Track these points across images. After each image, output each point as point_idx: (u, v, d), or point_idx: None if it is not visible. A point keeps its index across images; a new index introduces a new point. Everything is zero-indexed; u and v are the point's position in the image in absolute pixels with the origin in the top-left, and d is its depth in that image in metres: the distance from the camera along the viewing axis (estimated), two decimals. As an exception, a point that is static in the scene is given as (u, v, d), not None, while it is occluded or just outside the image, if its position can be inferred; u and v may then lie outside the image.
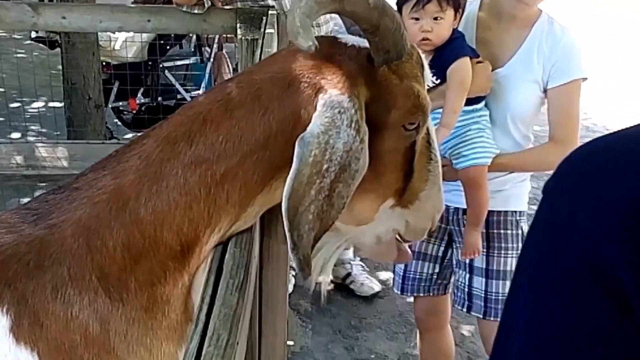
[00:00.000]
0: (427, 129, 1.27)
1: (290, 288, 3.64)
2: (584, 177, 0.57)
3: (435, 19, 1.97)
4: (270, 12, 2.85)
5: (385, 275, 3.87)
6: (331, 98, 1.06)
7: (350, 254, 3.68)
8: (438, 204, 1.35)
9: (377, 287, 3.71)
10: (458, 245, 2.33)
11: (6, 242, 1.09)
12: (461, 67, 1.99)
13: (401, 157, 1.23)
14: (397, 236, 1.37)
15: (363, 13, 1.07)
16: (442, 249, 2.41)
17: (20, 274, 1.07)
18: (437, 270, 2.44)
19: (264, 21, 2.73)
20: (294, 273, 3.66)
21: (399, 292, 2.55)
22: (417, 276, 2.45)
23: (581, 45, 2.20)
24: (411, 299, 2.91)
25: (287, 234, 1.04)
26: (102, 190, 1.11)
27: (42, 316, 1.06)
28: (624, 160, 0.55)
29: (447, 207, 2.26)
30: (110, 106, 5.13)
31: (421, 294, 2.48)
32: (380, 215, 1.27)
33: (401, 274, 2.48)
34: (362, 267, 3.76)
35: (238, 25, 2.93)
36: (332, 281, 3.61)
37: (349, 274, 3.68)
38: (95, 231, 1.09)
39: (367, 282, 3.69)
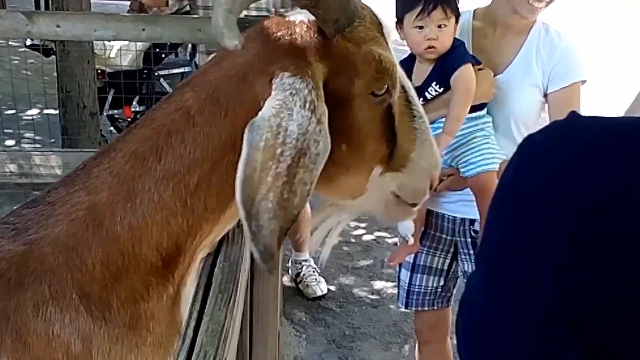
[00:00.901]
0: (403, 88, 1.22)
1: (324, 289, 3.73)
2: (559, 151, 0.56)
3: (440, 26, 1.96)
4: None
5: (380, 284, 3.87)
6: (282, 80, 1.03)
7: (306, 255, 3.71)
8: (432, 160, 1.31)
9: (324, 289, 3.73)
10: (464, 256, 2.31)
11: None
12: (466, 74, 1.98)
13: (378, 125, 1.18)
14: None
15: None
16: (447, 261, 2.37)
17: (2, 290, 1.06)
18: (442, 283, 2.40)
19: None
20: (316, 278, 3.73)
21: (402, 307, 2.51)
22: (422, 290, 2.42)
23: (579, 48, 2.22)
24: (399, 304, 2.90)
25: (245, 223, 0.98)
26: (77, 207, 1.10)
27: (24, 334, 1.05)
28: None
29: (454, 219, 2.25)
30: (105, 114, 5.12)
31: (426, 308, 2.44)
32: (373, 184, 1.24)
33: (405, 287, 2.43)
34: (314, 269, 3.78)
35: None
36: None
37: (298, 274, 3.73)
38: (73, 249, 1.08)
39: (314, 285, 3.71)
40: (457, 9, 2.00)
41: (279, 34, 1.11)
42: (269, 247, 0.99)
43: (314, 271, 3.76)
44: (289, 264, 3.80)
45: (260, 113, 1.00)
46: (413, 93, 1.26)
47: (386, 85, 1.15)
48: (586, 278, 0.50)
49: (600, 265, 0.49)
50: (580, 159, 0.53)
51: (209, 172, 1.09)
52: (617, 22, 12.19)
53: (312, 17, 1.10)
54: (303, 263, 3.73)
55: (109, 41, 4.54)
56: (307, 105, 1.01)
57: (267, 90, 1.04)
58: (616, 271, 0.49)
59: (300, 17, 1.13)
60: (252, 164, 0.97)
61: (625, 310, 0.48)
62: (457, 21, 2.02)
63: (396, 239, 4.39)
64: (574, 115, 0.59)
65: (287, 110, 1.00)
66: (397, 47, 1.28)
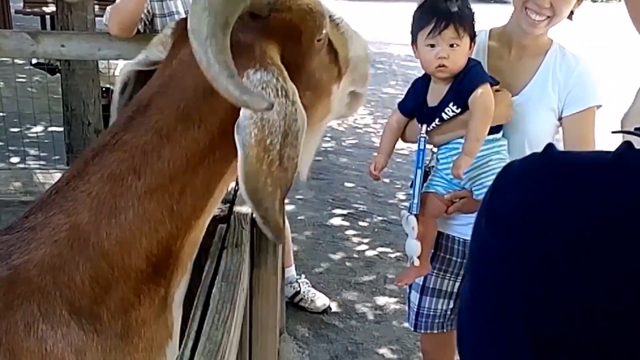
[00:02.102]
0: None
1: (326, 300, 3.74)
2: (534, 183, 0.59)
3: (452, 45, 1.95)
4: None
5: (382, 300, 3.87)
6: (250, 78, 1.08)
7: (293, 271, 3.72)
8: (363, 43, 1.43)
9: (327, 301, 3.74)
10: None
11: None
12: (484, 94, 1.96)
13: (326, 58, 1.29)
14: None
15: None
16: (457, 284, 2.36)
17: None
18: (451, 306, 2.39)
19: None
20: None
21: (412, 329, 2.51)
22: (432, 312, 2.40)
23: (595, 72, 2.22)
24: (407, 324, 2.89)
25: (255, 213, 1.07)
26: (58, 229, 1.13)
27: (19, 353, 1.07)
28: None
29: (464, 241, 2.25)
30: (109, 131, 5.16)
31: (435, 331, 2.42)
32: (334, 99, 1.36)
33: (415, 309, 2.42)
34: (308, 283, 3.80)
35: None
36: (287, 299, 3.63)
37: (297, 293, 3.72)
38: (60, 268, 1.11)
39: (317, 298, 3.73)
40: (472, 28, 2.00)
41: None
42: (276, 222, 1.08)
43: (309, 286, 3.77)
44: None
45: (241, 114, 1.06)
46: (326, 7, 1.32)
47: (324, 27, 1.24)
48: (549, 299, 0.53)
49: (560, 288, 0.53)
50: (553, 187, 0.56)
51: (191, 178, 1.15)
52: (617, 23, 12.24)
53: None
54: (298, 281, 3.74)
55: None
56: (280, 92, 1.08)
57: None
58: (576, 297, 0.52)
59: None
60: (249, 159, 1.05)
61: (579, 335, 0.52)
62: (473, 40, 2.01)
63: (399, 254, 4.40)
64: (550, 147, 0.62)
65: None
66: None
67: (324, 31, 1.22)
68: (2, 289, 1.10)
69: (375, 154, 2.25)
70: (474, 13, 2.02)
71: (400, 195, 5.50)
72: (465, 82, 1.99)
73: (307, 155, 1.40)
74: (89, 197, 1.14)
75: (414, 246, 2.06)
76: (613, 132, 0.75)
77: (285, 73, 1.11)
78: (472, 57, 2.13)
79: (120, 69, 5.07)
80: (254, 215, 1.09)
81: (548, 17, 2.02)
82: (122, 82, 1.39)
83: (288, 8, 1.16)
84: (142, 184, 1.13)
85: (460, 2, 1.99)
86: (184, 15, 3.20)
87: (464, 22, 1.96)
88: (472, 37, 2.00)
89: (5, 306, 1.09)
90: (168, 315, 1.18)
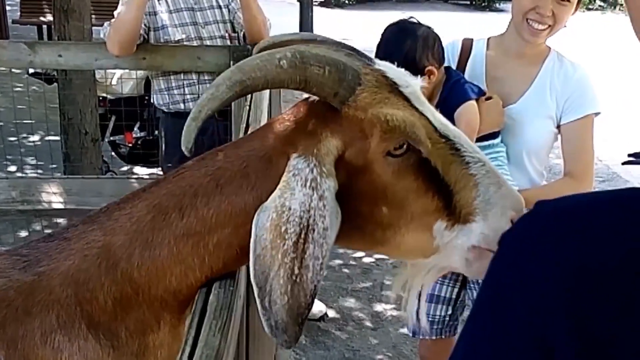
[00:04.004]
0: (447, 137, 1.19)
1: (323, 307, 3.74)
2: (533, 242, 0.61)
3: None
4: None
5: (379, 307, 3.89)
6: (290, 162, 1.08)
7: None
8: (508, 201, 1.21)
9: (323, 308, 3.75)
10: (473, 285, 2.30)
11: None
12: (466, 112, 2.00)
13: (413, 182, 1.16)
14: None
15: (279, 79, 1.06)
16: (455, 290, 2.38)
17: (9, 318, 1.10)
18: (449, 312, 2.41)
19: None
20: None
21: (410, 335, 2.52)
22: (430, 319, 2.42)
23: (592, 80, 2.23)
24: (405, 330, 2.90)
25: (257, 299, 1.03)
26: (92, 244, 1.14)
27: None
28: (569, 231, 0.60)
29: None
30: (106, 140, 5.18)
31: (434, 337, 2.44)
32: (441, 240, 1.19)
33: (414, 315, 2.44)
34: None
35: (231, 62, 2.99)
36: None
37: None
38: (84, 284, 1.12)
39: (314, 305, 3.70)
40: (413, 66, 1.96)
41: (298, 114, 1.17)
42: (283, 323, 1.02)
43: None
44: None
45: (270, 197, 1.06)
46: (463, 140, 1.22)
47: (403, 143, 1.14)
48: None
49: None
50: (549, 254, 0.59)
51: (229, 236, 1.14)
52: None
53: None
54: None
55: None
56: (308, 184, 1.05)
57: (284, 168, 1.09)
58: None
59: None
60: (262, 242, 1.02)
61: None
62: (427, 73, 2.02)
63: (396, 261, 4.41)
64: (538, 207, 0.64)
65: (290, 190, 1.05)
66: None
67: (401, 147, 1.14)
68: (23, 294, 1.11)
69: None
70: (415, 48, 2.05)
71: (397, 203, 5.51)
72: (448, 102, 2.02)
73: (411, 293, 1.32)
74: (129, 221, 1.15)
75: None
76: (623, 164, 0.78)
77: (328, 168, 1.08)
78: (470, 66, 2.15)
79: (117, 78, 5.10)
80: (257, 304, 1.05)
81: (549, 25, 2.04)
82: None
83: (363, 109, 1.13)
84: (182, 225, 1.13)
85: (404, 41, 2.03)
86: (174, 30, 3.23)
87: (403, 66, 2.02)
88: (417, 73, 2.05)
89: (23, 312, 1.11)
90: (182, 333, 1.19)
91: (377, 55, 1.99)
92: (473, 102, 2.01)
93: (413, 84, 1.21)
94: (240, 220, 1.13)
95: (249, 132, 1.56)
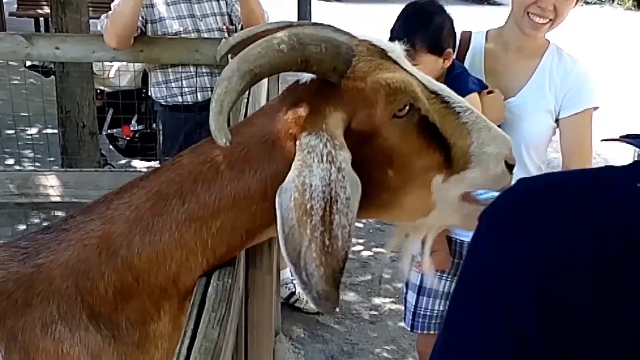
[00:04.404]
0: (435, 93, 1.23)
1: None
2: (510, 215, 0.63)
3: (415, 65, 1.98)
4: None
5: (378, 300, 3.89)
6: (301, 141, 1.10)
7: (288, 272, 3.71)
8: (497, 141, 1.27)
9: None
10: None
11: None
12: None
13: (417, 140, 1.20)
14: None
15: (283, 62, 1.08)
16: (454, 285, 2.36)
17: (9, 311, 1.09)
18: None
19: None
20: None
21: (409, 329, 2.52)
22: (429, 313, 2.41)
23: (591, 74, 2.22)
24: (403, 323, 2.90)
25: (295, 276, 1.05)
26: (91, 234, 1.14)
27: (33, 352, 1.09)
28: (546, 207, 0.61)
29: (461, 242, 2.26)
30: (104, 133, 5.16)
31: (431, 332, 2.43)
32: (440, 194, 1.24)
33: (412, 310, 2.43)
34: None
35: (229, 56, 2.98)
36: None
37: (292, 293, 3.73)
38: (84, 273, 1.12)
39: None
40: (436, 43, 2.00)
41: (293, 98, 1.19)
42: (324, 292, 1.05)
43: None
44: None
45: (287, 177, 1.08)
46: (448, 92, 1.26)
47: (406, 104, 1.17)
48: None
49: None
50: (548, 229, 0.60)
51: (233, 219, 1.15)
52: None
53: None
54: (293, 282, 3.74)
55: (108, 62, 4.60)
56: (325, 158, 1.07)
57: (294, 152, 1.11)
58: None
59: (309, 76, 1.20)
60: (288, 222, 1.04)
61: None
62: (440, 53, 2.02)
63: (394, 255, 4.41)
64: (516, 184, 0.66)
65: (307, 167, 1.07)
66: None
67: (404, 108, 1.17)
68: (23, 286, 1.11)
69: None
70: (441, 25, 2.04)
71: (395, 196, 5.52)
72: None
73: (409, 252, 1.42)
74: (128, 209, 1.15)
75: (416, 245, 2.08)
76: (602, 140, 0.79)
77: (339, 140, 1.11)
78: (469, 59, 2.13)
79: (114, 70, 5.08)
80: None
81: (550, 20, 2.03)
82: None
83: (361, 78, 1.16)
84: (184, 210, 1.14)
85: (422, 17, 2.02)
86: (171, 22, 3.21)
87: (419, 42, 1.98)
88: (437, 51, 2.02)
89: (23, 304, 1.10)
90: (182, 324, 1.19)
91: (394, 32, 1.99)
92: (476, 95, 1.99)
93: (397, 49, 1.26)
94: (244, 204, 1.15)
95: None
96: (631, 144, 0.64)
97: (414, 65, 1.91)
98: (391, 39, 2.00)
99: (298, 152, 1.09)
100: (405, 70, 1.22)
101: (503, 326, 0.59)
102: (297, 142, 1.10)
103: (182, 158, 1.21)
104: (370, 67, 1.17)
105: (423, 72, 1.93)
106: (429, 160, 1.21)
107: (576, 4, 2.09)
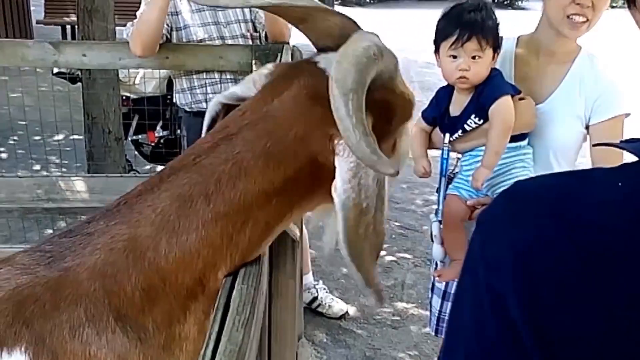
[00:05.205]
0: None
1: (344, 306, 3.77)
2: (500, 217, 0.67)
3: (474, 57, 1.94)
4: (285, 48, 2.91)
5: (400, 305, 3.88)
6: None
7: (310, 277, 3.73)
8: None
9: (345, 306, 3.77)
10: None
11: (22, 283, 1.13)
12: (503, 107, 1.94)
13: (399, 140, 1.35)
14: None
15: (375, 72, 1.12)
16: None
17: (37, 314, 1.11)
18: None
19: (279, 58, 2.79)
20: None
21: (433, 334, 2.50)
22: (448, 317, 2.37)
23: (623, 80, 2.18)
24: (427, 329, 2.89)
25: (357, 277, 1.10)
26: (117, 238, 1.16)
27: (61, 355, 1.10)
28: (531, 209, 0.64)
29: None
30: (129, 139, 5.23)
31: None
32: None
33: (436, 314, 2.41)
34: (326, 289, 3.83)
35: (253, 61, 3.00)
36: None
37: (315, 298, 3.74)
38: (112, 276, 1.14)
39: (335, 304, 3.76)
40: (496, 39, 1.98)
41: (315, 90, 1.20)
42: (377, 285, 1.13)
43: (327, 291, 3.80)
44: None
45: (338, 176, 1.12)
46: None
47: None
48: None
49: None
50: (532, 229, 0.63)
51: (257, 213, 1.18)
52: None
53: None
54: (315, 287, 3.76)
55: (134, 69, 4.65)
56: None
57: (327, 147, 1.15)
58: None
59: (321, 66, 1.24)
60: (349, 222, 1.09)
61: None
62: (496, 52, 1.99)
63: (417, 260, 4.41)
64: (512, 186, 0.69)
65: (362, 169, 1.11)
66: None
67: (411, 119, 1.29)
68: (50, 290, 1.13)
69: (412, 163, 2.24)
70: (498, 24, 2.00)
71: (418, 202, 5.51)
72: (485, 94, 1.97)
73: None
74: (153, 212, 1.17)
75: (437, 251, 2.07)
76: (594, 145, 0.81)
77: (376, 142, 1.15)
78: (499, 64, 2.12)
79: (140, 77, 5.13)
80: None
81: (588, 19, 1.98)
82: (211, 115, 1.45)
83: (392, 90, 1.22)
84: (210, 210, 1.16)
85: (484, 12, 1.97)
86: (196, 29, 3.24)
87: (487, 34, 1.94)
88: (496, 48, 1.99)
89: (51, 307, 1.12)
90: (207, 327, 1.21)
91: (445, 29, 1.97)
92: (509, 98, 1.96)
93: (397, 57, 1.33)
94: (266, 198, 1.18)
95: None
96: (622, 148, 0.65)
97: (479, 58, 1.94)
98: (439, 36, 2.00)
99: (348, 153, 1.11)
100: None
101: (492, 316, 0.62)
102: (342, 142, 1.12)
103: (201, 158, 1.21)
104: (400, 79, 1.25)
105: (482, 67, 1.98)
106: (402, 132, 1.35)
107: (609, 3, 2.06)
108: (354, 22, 1.28)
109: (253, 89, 1.34)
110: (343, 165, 1.11)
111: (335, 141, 1.14)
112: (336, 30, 1.23)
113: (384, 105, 1.21)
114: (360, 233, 1.08)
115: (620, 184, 0.61)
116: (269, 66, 1.35)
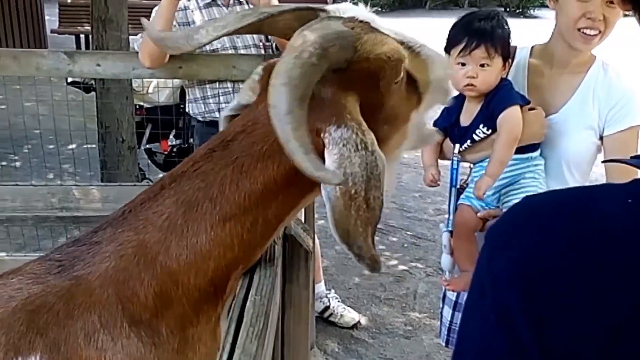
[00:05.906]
0: (402, 42, 1.31)
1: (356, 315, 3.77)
2: (507, 233, 0.68)
3: (482, 65, 1.94)
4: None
5: (412, 315, 3.87)
6: (332, 135, 1.14)
7: (322, 286, 3.72)
8: (441, 62, 1.39)
9: (356, 316, 3.76)
10: None
11: (34, 292, 1.14)
12: (510, 117, 1.93)
13: (405, 93, 1.31)
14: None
15: (317, 73, 1.11)
16: None
17: (51, 322, 1.12)
18: None
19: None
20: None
21: (444, 345, 2.48)
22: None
23: (637, 90, 2.14)
24: (439, 340, 2.87)
25: (349, 251, 1.13)
26: (125, 245, 1.17)
27: None
28: (536, 225, 0.65)
29: None
30: (143, 148, 5.25)
31: None
32: (412, 124, 1.37)
33: (447, 325, 2.40)
34: (338, 299, 3.83)
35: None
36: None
37: (327, 308, 3.74)
38: (124, 282, 1.15)
39: (347, 313, 3.76)
40: (506, 48, 1.98)
41: None
42: (372, 256, 1.15)
43: (339, 301, 3.79)
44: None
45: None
46: (404, 33, 1.34)
47: (402, 70, 1.26)
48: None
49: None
50: (537, 245, 0.64)
51: (264, 210, 1.21)
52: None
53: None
54: (327, 296, 3.76)
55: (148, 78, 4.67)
56: (359, 146, 1.13)
57: (316, 142, 1.14)
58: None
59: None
60: (337, 209, 1.12)
61: None
62: (506, 60, 1.99)
63: (429, 269, 4.40)
64: (521, 201, 0.70)
65: (346, 159, 1.12)
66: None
67: (402, 74, 1.26)
68: (63, 299, 1.14)
69: (423, 172, 2.23)
70: (509, 32, 2.00)
71: (430, 211, 5.50)
72: (493, 104, 1.97)
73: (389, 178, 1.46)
74: (160, 218, 1.19)
75: (446, 261, 2.06)
76: (603, 162, 0.82)
77: (364, 125, 1.16)
78: (513, 74, 2.11)
79: (153, 87, 5.16)
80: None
81: (600, 32, 1.96)
82: (224, 127, 1.46)
83: (366, 59, 1.21)
84: (217, 212, 1.19)
85: (495, 21, 1.97)
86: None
87: (496, 42, 1.94)
88: (505, 57, 1.98)
89: (65, 315, 1.13)
90: (218, 329, 1.23)
91: (456, 36, 1.98)
92: (517, 108, 1.95)
93: (371, 15, 1.33)
94: (271, 195, 1.21)
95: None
96: (633, 165, 0.65)
97: (487, 66, 1.94)
98: (449, 44, 2.00)
99: (332, 146, 1.13)
100: (387, 35, 1.29)
101: (499, 331, 0.63)
102: (327, 136, 1.14)
103: (200, 165, 1.24)
104: (369, 45, 1.22)
105: (491, 75, 1.98)
106: (412, 102, 1.34)
107: (622, 13, 2.03)
108: (311, 8, 1.30)
109: (252, 95, 1.36)
110: (328, 158, 1.13)
111: (322, 135, 1.15)
112: (295, 24, 1.25)
113: (362, 75, 1.21)
114: (351, 214, 1.11)
115: (630, 200, 0.61)
116: (258, 69, 1.36)
